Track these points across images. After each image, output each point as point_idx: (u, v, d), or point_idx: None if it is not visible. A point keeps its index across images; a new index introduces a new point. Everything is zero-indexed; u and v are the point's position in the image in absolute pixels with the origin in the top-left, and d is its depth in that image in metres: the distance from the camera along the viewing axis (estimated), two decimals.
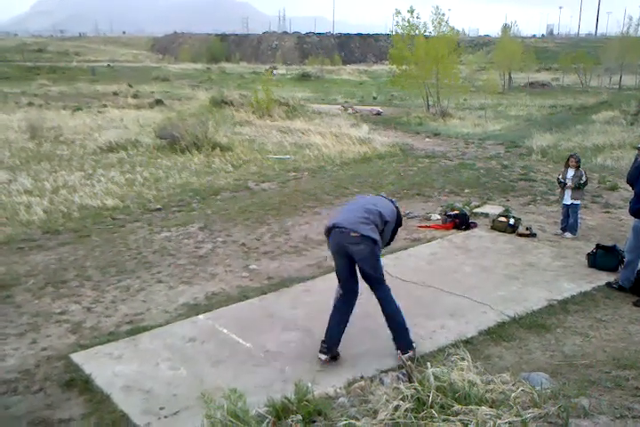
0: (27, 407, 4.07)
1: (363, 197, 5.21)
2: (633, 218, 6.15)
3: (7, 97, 27.74)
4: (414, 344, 4.71)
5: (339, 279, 4.82)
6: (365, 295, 5.94)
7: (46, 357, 4.77)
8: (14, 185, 10.70)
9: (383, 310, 4.76)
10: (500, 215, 8.57)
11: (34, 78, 41.33)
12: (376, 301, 4.80)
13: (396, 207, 4.98)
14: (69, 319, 5.49)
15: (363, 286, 4.83)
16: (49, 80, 40.26)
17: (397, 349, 4.64)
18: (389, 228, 4.82)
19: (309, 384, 3.32)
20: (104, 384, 4.31)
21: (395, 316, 4.73)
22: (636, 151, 6.73)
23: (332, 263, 6.46)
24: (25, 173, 11.71)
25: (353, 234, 4.51)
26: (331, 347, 4.66)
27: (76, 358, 4.71)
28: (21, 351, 4.87)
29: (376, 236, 4.57)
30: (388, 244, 5.05)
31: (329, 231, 4.69)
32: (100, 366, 4.58)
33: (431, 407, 2.87)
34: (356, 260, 4.62)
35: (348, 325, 4.83)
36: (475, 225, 8.52)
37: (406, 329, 4.72)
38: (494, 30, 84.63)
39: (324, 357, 4.62)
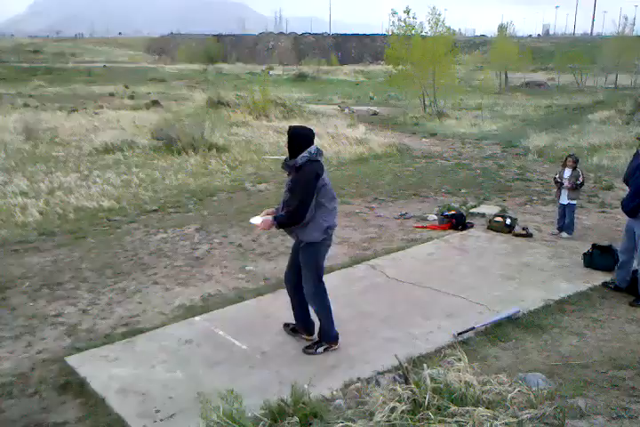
0: (21, 411, 4.05)
1: None
2: (627, 218, 6.15)
3: (2, 98, 27.64)
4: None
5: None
6: (361, 296, 5.95)
7: (41, 360, 4.74)
8: (10, 187, 10.66)
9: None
10: (496, 215, 8.57)
11: (30, 79, 41.17)
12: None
13: None
14: (65, 322, 5.47)
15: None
16: (45, 81, 40.15)
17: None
18: None
19: (306, 386, 3.31)
20: (99, 387, 4.29)
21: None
22: (636, 148, 6.70)
23: (327, 264, 6.48)
24: (20, 175, 11.67)
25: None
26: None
27: (72, 361, 4.69)
28: (16, 354, 4.85)
29: None
30: None
31: (327, 232, 4.68)
32: (96, 368, 4.56)
33: (427, 409, 2.86)
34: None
35: (343, 325, 4.86)
36: (471, 225, 8.52)
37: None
38: (490, 30, 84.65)
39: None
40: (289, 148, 4.56)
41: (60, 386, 4.34)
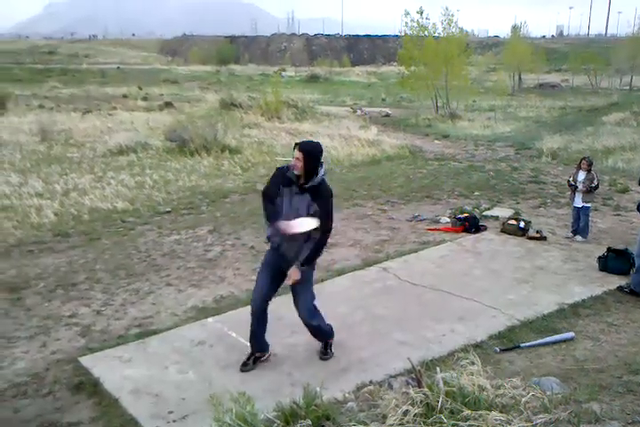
0: (36, 411, 4.08)
1: None
2: None
3: (18, 99, 27.92)
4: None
5: None
6: (373, 299, 5.94)
7: (56, 360, 4.78)
8: (25, 188, 10.76)
9: None
10: (510, 218, 8.52)
11: (44, 81, 41.59)
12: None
13: None
14: (79, 322, 5.51)
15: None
16: (59, 82, 40.54)
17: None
18: None
19: (318, 389, 3.31)
20: (113, 388, 4.32)
21: None
22: None
23: (339, 267, 6.49)
24: (36, 176, 11.78)
25: None
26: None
27: (86, 361, 4.72)
28: (31, 354, 4.89)
29: None
30: None
31: None
32: (109, 369, 4.59)
33: (440, 413, 2.84)
34: None
35: (355, 328, 4.91)
36: (484, 228, 8.47)
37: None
38: (504, 31, 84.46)
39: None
40: (307, 168, 4.26)
41: (74, 386, 4.37)
